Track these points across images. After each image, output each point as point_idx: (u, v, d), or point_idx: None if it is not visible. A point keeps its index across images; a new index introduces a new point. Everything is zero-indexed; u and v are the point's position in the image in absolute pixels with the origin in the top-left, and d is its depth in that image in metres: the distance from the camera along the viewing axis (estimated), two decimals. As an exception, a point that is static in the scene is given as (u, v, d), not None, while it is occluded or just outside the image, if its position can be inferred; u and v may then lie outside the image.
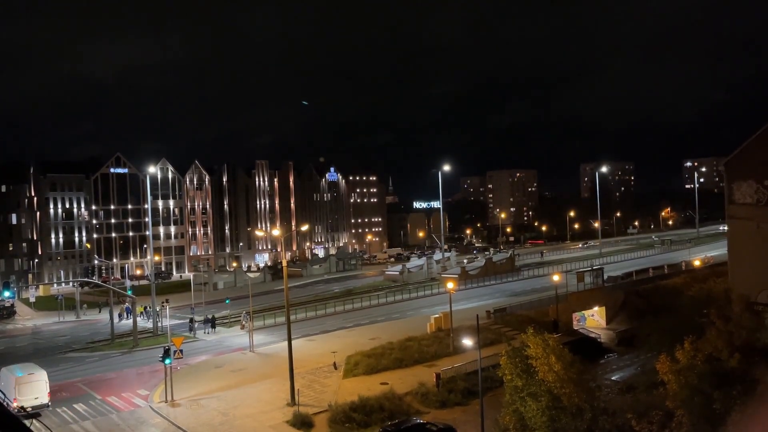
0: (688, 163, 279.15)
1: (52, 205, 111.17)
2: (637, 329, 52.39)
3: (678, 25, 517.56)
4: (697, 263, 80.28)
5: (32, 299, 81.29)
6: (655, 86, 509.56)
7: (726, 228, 47.99)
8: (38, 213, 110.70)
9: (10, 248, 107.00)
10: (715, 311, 36.28)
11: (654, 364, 28.35)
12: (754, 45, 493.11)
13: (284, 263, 40.47)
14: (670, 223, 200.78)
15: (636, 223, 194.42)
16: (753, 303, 39.89)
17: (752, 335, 35.54)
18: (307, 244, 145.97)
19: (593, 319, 60.63)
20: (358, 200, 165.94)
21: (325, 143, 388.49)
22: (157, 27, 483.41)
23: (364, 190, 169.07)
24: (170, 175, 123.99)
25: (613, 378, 43.01)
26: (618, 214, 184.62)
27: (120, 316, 65.75)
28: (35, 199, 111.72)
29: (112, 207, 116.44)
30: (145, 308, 65.24)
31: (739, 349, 33.11)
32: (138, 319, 58.45)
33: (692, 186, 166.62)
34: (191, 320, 59.25)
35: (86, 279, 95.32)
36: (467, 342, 38.82)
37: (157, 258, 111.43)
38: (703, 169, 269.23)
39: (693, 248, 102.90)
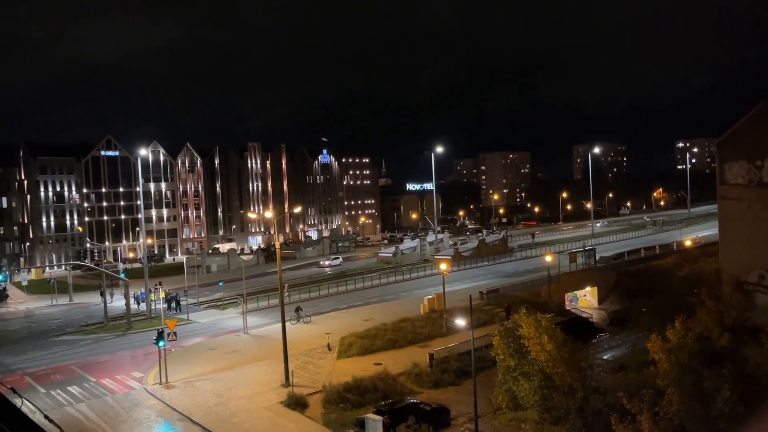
0: (680, 144, 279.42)
1: (42, 189, 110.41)
2: (629, 309, 52.80)
3: (667, 9, 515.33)
4: (688, 243, 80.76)
5: (24, 283, 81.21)
6: (647, 69, 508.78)
7: (717, 208, 48.22)
8: (29, 196, 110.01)
9: (2, 232, 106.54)
10: (705, 291, 36.66)
11: (645, 343, 28.60)
12: (743, 28, 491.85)
13: (278, 245, 40.33)
14: (662, 203, 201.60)
15: (628, 204, 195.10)
16: (743, 283, 40.28)
17: (742, 315, 35.99)
18: (300, 226, 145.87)
19: (585, 299, 61.07)
20: (351, 182, 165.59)
21: (318, 126, 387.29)
22: (150, 10, 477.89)
23: (357, 173, 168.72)
24: (162, 158, 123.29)
25: (604, 357, 43.41)
26: (610, 195, 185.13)
27: (136, 299, 61.81)
28: (25, 182, 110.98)
29: (104, 190, 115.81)
30: (166, 293, 58.48)
31: (729, 328, 33.51)
32: (159, 305, 55.79)
33: (684, 167, 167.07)
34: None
35: (78, 262, 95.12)
36: (460, 322, 38.95)
37: (149, 241, 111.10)
38: (695, 150, 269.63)
39: (685, 228, 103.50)
